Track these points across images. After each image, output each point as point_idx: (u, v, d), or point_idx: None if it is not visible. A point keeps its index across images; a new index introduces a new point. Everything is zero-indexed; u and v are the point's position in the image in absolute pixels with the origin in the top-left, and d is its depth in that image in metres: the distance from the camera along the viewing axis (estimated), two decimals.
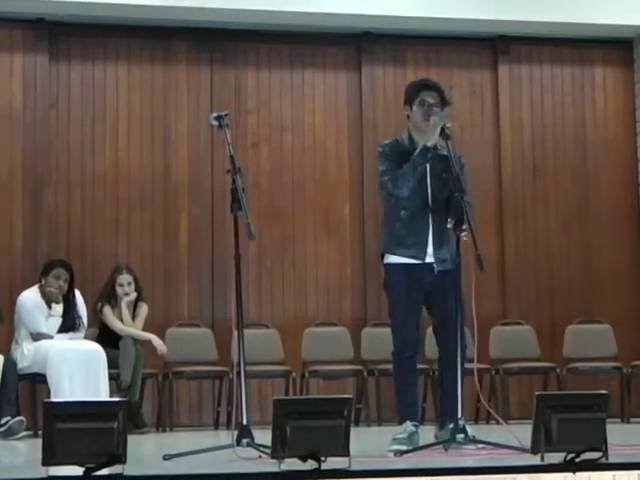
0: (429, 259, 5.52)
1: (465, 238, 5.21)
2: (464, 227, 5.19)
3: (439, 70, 9.85)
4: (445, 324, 5.47)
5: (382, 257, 5.67)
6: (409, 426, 5.40)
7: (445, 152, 5.48)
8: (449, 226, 5.30)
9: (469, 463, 4.62)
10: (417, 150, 5.50)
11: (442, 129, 5.42)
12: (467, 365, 5.26)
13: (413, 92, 5.67)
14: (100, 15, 9.26)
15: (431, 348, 5.70)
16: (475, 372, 5.34)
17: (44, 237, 9.19)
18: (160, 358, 8.58)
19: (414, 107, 5.61)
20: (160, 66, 9.64)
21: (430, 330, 5.71)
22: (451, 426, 5.14)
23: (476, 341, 5.27)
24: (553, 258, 9.95)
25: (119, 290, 8.53)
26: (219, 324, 9.16)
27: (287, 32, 9.75)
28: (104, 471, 3.77)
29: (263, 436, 4.62)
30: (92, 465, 3.74)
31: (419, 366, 6.16)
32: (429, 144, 5.47)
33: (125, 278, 8.54)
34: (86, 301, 8.32)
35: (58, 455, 3.71)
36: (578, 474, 4.09)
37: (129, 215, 9.42)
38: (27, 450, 6.56)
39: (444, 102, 5.61)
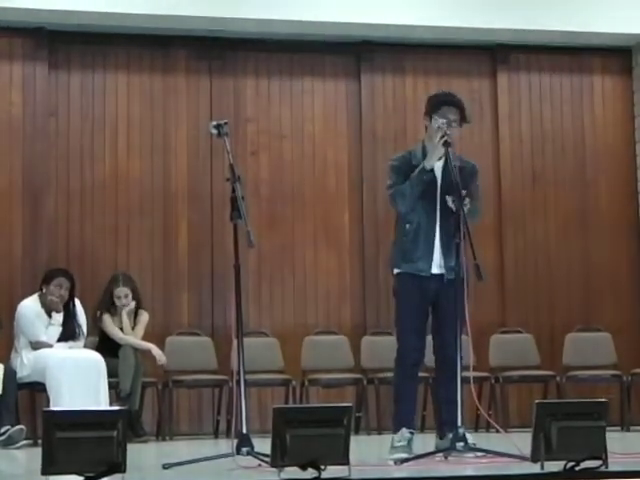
0: (437, 270, 5.54)
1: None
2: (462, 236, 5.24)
3: (438, 78, 9.85)
4: (443, 331, 5.49)
5: (392, 270, 5.74)
6: (405, 433, 5.42)
7: (459, 164, 5.52)
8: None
9: (469, 471, 4.63)
10: (416, 170, 5.53)
11: (441, 137, 5.43)
12: (465, 373, 5.27)
13: (435, 105, 5.67)
14: (99, 24, 9.27)
15: (431, 356, 5.70)
16: (472, 380, 5.35)
17: (43, 245, 9.18)
18: (160, 367, 8.58)
19: (433, 120, 5.61)
20: (159, 74, 9.65)
21: (430, 338, 5.72)
22: (451, 434, 5.15)
23: (471, 350, 5.29)
24: (552, 266, 9.95)
25: (117, 302, 8.52)
26: (219, 332, 9.15)
27: (286, 40, 9.75)
28: None
29: (263, 445, 4.62)
30: (92, 474, 3.74)
31: (419, 374, 6.16)
32: (428, 166, 5.48)
33: (122, 291, 8.51)
34: (85, 309, 8.32)
35: (58, 464, 3.71)
36: None
37: (128, 223, 9.42)
38: (27, 459, 6.56)
39: (463, 119, 5.64)
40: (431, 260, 5.54)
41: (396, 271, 5.67)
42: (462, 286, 5.27)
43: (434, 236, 5.56)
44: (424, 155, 5.64)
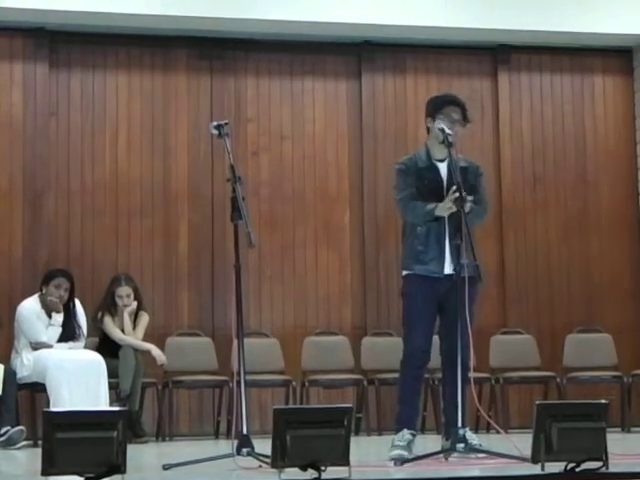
0: (448, 271, 5.52)
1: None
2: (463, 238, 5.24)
3: (439, 79, 9.85)
4: (452, 333, 5.48)
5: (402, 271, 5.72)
6: (406, 434, 5.42)
7: (463, 164, 5.52)
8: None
9: (469, 472, 4.62)
10: (431, 208, 5.49)
11: (444, 138, 5.43)
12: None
13: (438, 105, 5.66)
14: (100, 24, 9.27)
15: (433, 358, 5.69)
16: (472, 381, 5.35)
17: (44, 246, 9.18)
18: (160, 367, 8.57)
19: (437, 121, 5.59)
20: (160, 74, 9.65)
21: (435, 338, 5.70)
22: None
23: (472, 350, 5.29)
24: (553, 267, 9.94)
25: (119, 302, 8.52)
26: (219, 333, 9.14)
27: (287, 41, 9.75)
28: None
29: (263, 445, 4.61)
30: (92, 475, 3.73)
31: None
32: (437, 214, 5.46)
33: (124, 290, 8.53)
34: (86, 310, 8.32)
35: (58, 465, 3.70)
36: None
37: (129, 224, 9.42)
38: (27, 460, 6.55)
39: (465, 119, 5.64)
40: (443, 261, 5.53)
41: (406, 273, 5.64)
42: (472, 286, 5.27)
43: (444, 237, 5.55)
44: (428, 157, 5.64)
